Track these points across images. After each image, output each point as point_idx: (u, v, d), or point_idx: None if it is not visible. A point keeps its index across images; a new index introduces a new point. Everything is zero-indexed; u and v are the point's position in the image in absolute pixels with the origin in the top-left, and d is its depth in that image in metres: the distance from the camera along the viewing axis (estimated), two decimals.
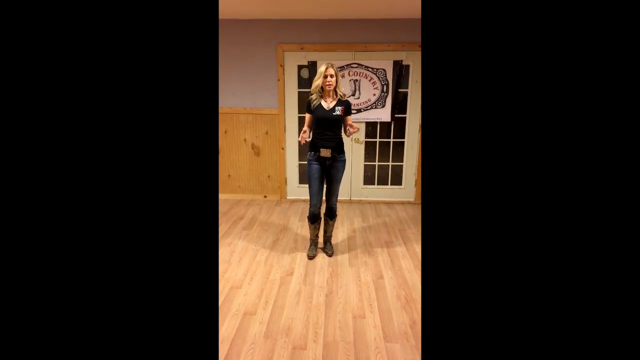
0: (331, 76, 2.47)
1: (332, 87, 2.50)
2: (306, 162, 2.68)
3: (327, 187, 2.72)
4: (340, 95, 2.56)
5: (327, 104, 2.55)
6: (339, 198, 2.82)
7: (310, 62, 3.77)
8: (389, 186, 4.17)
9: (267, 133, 4.02)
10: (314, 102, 2.56)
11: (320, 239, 3.01)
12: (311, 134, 2.63)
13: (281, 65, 3.82)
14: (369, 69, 3.79)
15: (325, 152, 2.56)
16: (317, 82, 2.52)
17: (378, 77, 3.80)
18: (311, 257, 2.81)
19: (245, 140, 4.07)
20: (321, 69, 2.49)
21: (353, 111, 3.78)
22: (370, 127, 3.98)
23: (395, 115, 3.91)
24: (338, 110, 2.52)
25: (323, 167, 2.62)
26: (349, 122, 2.52)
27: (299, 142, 2.53)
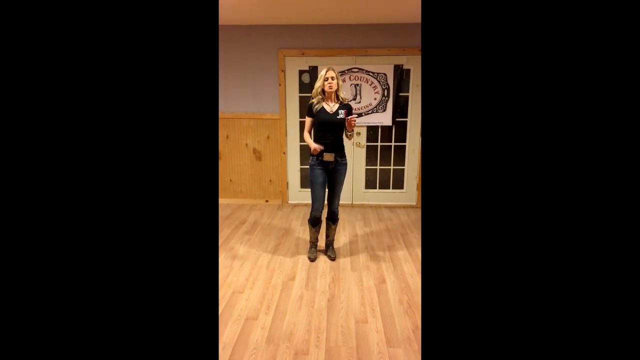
0: (332, 78, 2.49)
1: (333, 89, 2.51)
2: (307, 167, 2.68)
3: (329, 191, 2.72)
4: (342, 98, 2.58)
5: (330, 107, 2.56)
6: (340, 202, 2.82)
7: (311, 67, 3.79)
8: (390, 190, 4.16)
9: (268, 138, 4.03)
10: (316, 106, 2.57)
11: (322, 243, 3.00)
12: (312, 138, 2.64)
13: (282, 70, 3.83)
14: (370, 74, 3.80)
15: (328, 157, 2.57)
16: (318, 84, 2.54)
17: (379, 82, 3.81)
18: (312, 259, 2.81)
19: (246, 145, 4.08)
20: (322, 72, 2.52)
21: (354, 115, 3.78)
22: (372, 131, 3.99)
23: (397, 119, 3.92)
24: (341, 114, 2.53)
25: (326, 171, 2.63)
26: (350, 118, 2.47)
27: (314, 150, 2.53)
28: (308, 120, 2.62)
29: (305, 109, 2.69)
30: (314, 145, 2.52)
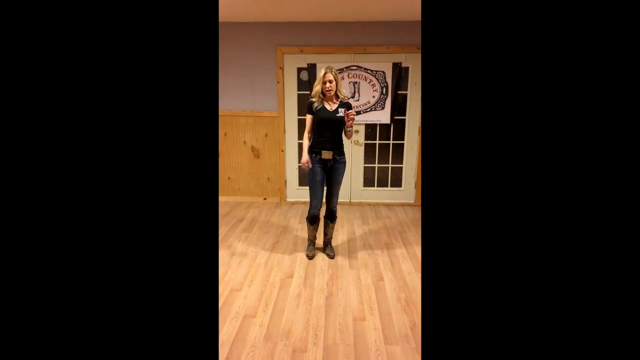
0: (330, 82, 2.48)
1: (332, 92, 2.51)
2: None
3: (327, 189, 2.72)
4: (342, 97, 2.57)
5: (330, 106, 2.56)
6: (339, 200, 2.82)
7: (310, 64, 3.78)
8: (388, 188, 4.17)
9: (266, 135, 4.02)
10: (316, 105, 2.57)
11: (320, 241, 3.01)
12: (311, 138, 2.65)
13: (280, 68, 3.82)
14: (368, 71, 3.79)
15: (326, 154, 2.57)
16: (317, 87, 2.53)
17: (377, 79, 3.81)
18: (310, 257, 2.81)
19: (245, 142, 4.07)
20: (320, 74, 2.50)
21: (352, 111, 3.78)
22: (370, 129, 3.98)
23: (395, 117, 3.92)
24: (341, 112, 2.53)
25: (324, 169, 2.63)
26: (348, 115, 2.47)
27: (302, 165, 2.61)
28: (308, 118, 2.61)
29: (304, 106, 2.69)
30: (305, 158, 2.58)
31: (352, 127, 2.53)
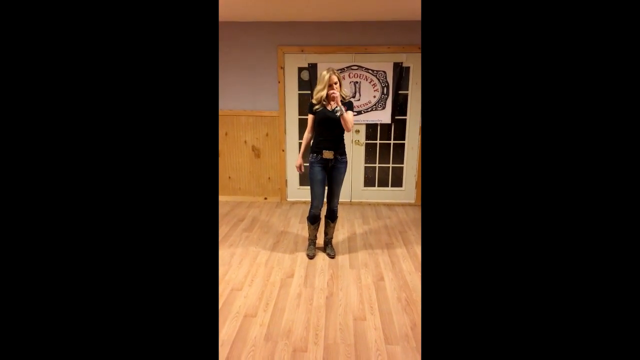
0: (335, 84, 2.47)
1: (338, 93, 2.48)
2: (307, 164, 2.68)
3: (328, 189, 2.72)
4: (343, 97, 2.56)
5: (331, 105, 2.54)
6: (339, 200, 2.82)
7: (311, 64, 3.78)
8: (389, 188, 4.17)
9: (267, 135, 4.03)
10: (317, 106, 2.56)
11: (320, 241, 3.01)
12: (311, 138, 2.65)
13: (281, 67, 3.82)
14: (369, 71, 3.79)
15: (328, 154, 2.56)
16: (322, 93, 2.48)
17: (378, 79, 3.80)
18: (311, 257, 2.81)
19: (245, 142, 4.07)
20: (325, 78, 2.46)
21: (354, 113, 3.78)
22: (371, 129, 3.98)
23: (396, 117, 3.91)
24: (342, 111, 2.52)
25: (325, 169, 2.62)
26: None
27: (298, 167, 2.74)
28: (310, 118, 2.61)
29: (304, 106, 2.70)
30: (298, 162, 2.71)
31: (339, 107, 2.41)
